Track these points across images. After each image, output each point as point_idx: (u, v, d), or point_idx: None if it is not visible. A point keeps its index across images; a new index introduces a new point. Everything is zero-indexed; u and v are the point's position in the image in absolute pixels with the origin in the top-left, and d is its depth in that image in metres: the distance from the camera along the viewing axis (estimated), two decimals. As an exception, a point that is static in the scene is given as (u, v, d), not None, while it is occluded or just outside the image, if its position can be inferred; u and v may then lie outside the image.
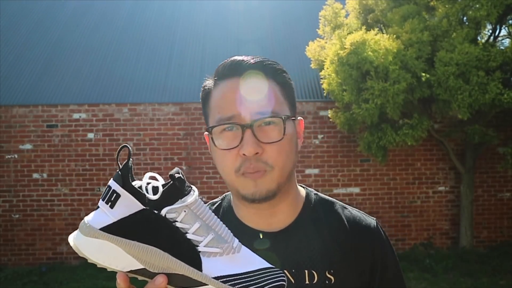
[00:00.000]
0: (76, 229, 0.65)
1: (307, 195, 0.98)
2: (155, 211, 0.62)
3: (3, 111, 6.16)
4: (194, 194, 0.64)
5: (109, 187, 0.62)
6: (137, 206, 0.61)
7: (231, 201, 0.98)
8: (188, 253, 0.61)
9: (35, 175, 6.15)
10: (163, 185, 0.65)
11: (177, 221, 0.62)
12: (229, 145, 0.84)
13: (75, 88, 6.54)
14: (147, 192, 0.63)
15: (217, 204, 1.02)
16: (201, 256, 0.62)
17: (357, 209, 1.01)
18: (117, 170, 0.63)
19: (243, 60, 0.87)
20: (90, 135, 6.20)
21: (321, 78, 5.90)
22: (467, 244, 6.03)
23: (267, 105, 0.84)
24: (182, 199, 0.63)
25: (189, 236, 0.62)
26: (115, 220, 0.61)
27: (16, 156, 6.14)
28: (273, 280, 0.63)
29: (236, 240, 0.67)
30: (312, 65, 6.22)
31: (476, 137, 5.42)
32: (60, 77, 6.73)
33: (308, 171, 6.29)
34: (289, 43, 7.44)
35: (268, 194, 0.85)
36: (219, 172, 0.90)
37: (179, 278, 0.60)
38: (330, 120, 5.90)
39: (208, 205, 1.01)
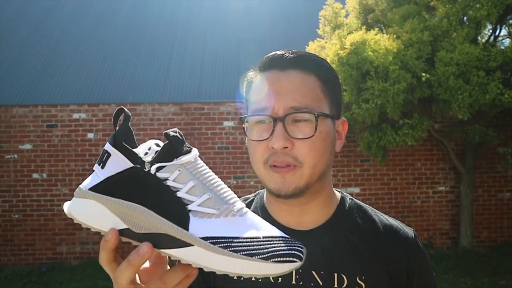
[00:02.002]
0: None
1: (342, 199, 0.96)
2: (145, 169, 0.57)
3: (3, 111, 6.16)
4: (192, 154, 0.59)
5: (103, 149, 0.59)
6: (126, 164, 0.57)
7: (264, 197, 0.97)
8: (175, 211, 0.55)
9: (35, 175, 6.14)
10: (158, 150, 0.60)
11: (168, 180, 0.56)
12: (260, 136, 0.84)
13: (75, 88, 6.53)
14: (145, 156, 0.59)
15: (249, 199, 1.00)
16: (190, 215, 0.55)
17: (393, 218, 0.98)
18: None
19: (284, 54, 0.87)
20: (90, 135, 6.20)
21: (321, 78, 5.89)
22: (467, 244, 6.03)
23: (302, 100, 0.83)
24: (177, 158, 0.57)
25: (179, 194, 0.56)
26: (103, 178, 0.57)
27: (16, 156, 6.13)
28: (285, 248, 0.52)
29: (242, 204, 0.59)
30: (312, 65, 6.21)
31: (476, 137, 5.42)
32: (60, 77, 6.73)
33: (308, 171, 6.28)
34: (289, 43, 7.43)
35: (295, 191, 0.83)
36: (251, 162, 0.89)
37: (164, 239, 0.54)
38: (330, 120, 5.89)
39: (240, 199, 0.99)
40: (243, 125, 0.88)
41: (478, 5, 5.04)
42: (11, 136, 6.13)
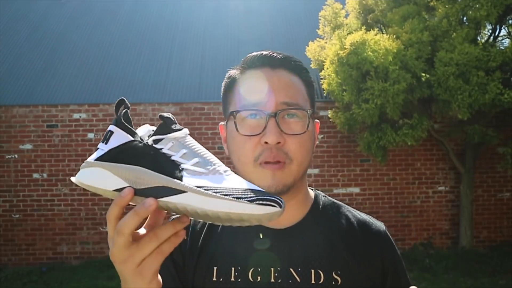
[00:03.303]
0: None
1: (316, 196, 0.99)
2: (143, 141, 0.66)
3: (3, 111, 6.16)
4: (183, 131, 0.67)
5: (107, 130, 0.68)
6: (127, 138, 0.66)
7: None
8: (170, 169, 0.63)
9: (35, 175, 6.15)
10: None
11: (163, 149, 0.65)
12: (252, 131, 0.84)
13: (75, 88, 6.54)
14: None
15: None
16: (183, 172, 0.63)
17: (364, 213, 1.01)
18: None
19: (272, 54, 0.89)
20: (90, 135, 6.21)
21: (321, 78, 5.90)
22: (467, 244, 6.04)
23: (293, 97, 0.85)
24: (171, 134, 0.66)
25: (173, 158, 0.64)
26: (107, 150, 0.66)
27: (16, 156, 6.14)
28: (266, 197, 0.60)
29: (227, 168, 0.67)
30: (312, 65, 6.22)
31: (476, 137, 5.42)
32: (60, 77, 6.74)
33: (308, 171, 6.27)
34: (289, 43, 7.44)
35: (284, 189, 0.84)
36: (234, 162, 0.89)
37: (161, 190, 0.62)
38: (330, 120, 5.90)
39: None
40: (223, 123, 0.88)
41: (477, 5, 5.04)
42: (12, 136, 6.14)
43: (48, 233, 6.14)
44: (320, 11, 6.33)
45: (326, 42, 6.10)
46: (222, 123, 0.93)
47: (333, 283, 0.87)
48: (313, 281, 0.87)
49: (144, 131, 0.69)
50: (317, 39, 6.28)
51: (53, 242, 6.15)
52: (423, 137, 5.49)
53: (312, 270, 0.87)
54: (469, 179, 6.05)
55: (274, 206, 0.59)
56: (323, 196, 1.00)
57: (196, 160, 0.65)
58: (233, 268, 0.89)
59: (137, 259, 0.62)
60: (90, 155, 0.71)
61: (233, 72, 0.92)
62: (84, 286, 5.20)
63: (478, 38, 5.60)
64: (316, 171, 6.33)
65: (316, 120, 0.94)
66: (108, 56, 7.20)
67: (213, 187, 0.61)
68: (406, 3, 5.55)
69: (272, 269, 0.88)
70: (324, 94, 6.14)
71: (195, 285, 0.91)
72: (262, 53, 0.89)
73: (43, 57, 7.15)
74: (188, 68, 6.99)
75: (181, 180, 0.62)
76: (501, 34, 5.85)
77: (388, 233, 0.99)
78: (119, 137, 0.67)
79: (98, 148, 0.68)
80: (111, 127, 0.68)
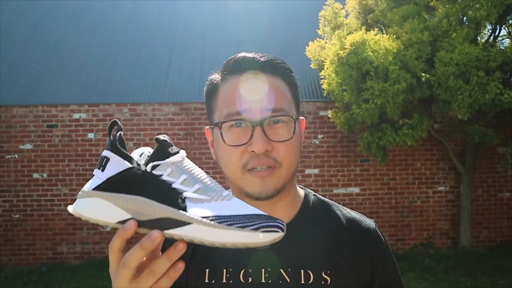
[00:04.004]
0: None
1: (306, 195, 0.98)
2: (142, 168, 0.65)
3: (3, 111, 6.16)
4: (180, 154, 0.66)
5: (101, 156, 0.67)
6: (124, 165, 0.64)
7: None
8: (173, 198, 0.62)
9: (35, 175, 6.15)
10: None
11: (163, 175, 0.64)
12: (238, 141, 0.83)
13: (75, 88, 6.54)
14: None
15: None
16: (186, 201, 0.62)
17: (355, 211, 1.01)
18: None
19: (254, 57, 0.87)
20: (90, 135, 6.21)
21: (321, 78, 5.90)
22: (467, 244, 6.04)
23: (277, 103, 0.84)
24: (168, 158, 0.65)
25: (174, 185, 0.64)
26: (104, 179, 0.65)
27: (16, 156, 6.14)
28: (269, 223, 0.61)
29: (227, 192, 0.66)
30: (312, 65, 6.22)
31: (476, 137, 5.42)
32: (60, 77, 6.74)
33: (308, 171, 6.29)
34: (289, 43, 7.44)
35: (275, 192, 0.85)
36: (222, 169, 0.89)
37: (166, 222, 0.61)
38: (330, 120, 5.90)
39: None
40: (208, 127, 0.87)
41: (477, 5, 5.04)
42: (12, 136, 6.14)
43: (48, 233, 6.15)
44: (320, 11, 6.33)
45: (326, 42, 6.10)
46: (208, 126, 0.92)
47: (323, 282, 0.87)
48: (302, 281, 0.87)
49: (139, 154, 0.68)
50: (317, 39, 6.28)
51: (53, 242, 6.15)
52: (423, 137, 5.49)
53: (302, 271, 0.88)
54: (469, 179, 6.05)
55: (277, 231, 0.61)
56: (313, 195, 1.00)
57: (197, 186, 0.64)
58: (224, 270, 0.89)
59: None
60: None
61: (214, 77, 0.91)
62: (84, 286, 5.20)
63: (478, 38, 5.60)
64: (316, 171, 6.33)
65: (301, 117, 0.93)
66: (108, 56, 7.20)
67: (218, 216, 0.61)
68: (406, 3, 5.55)
69: (263, 270, 0.88)
70: (324, 94, 6.14)
71: (188, 287, 0.92)
72: (244, 57, 0.87)
73: (43, 57, 7.15)
74: (188, 68, 6.99)
75: (185, 210, 0.61)
76: (501, 34, 5.86)
77: (378, 230, 0.99)
78: (116, 164, 0.65)
79: (94, 175, 0.66)
80: (107, 153, 0.66)
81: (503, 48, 5.36)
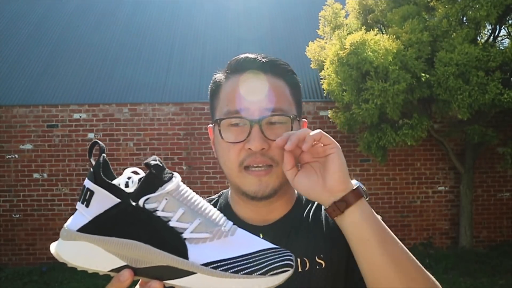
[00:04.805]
0: None
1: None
2: (133, 203, 0.57)
3: (3, 111, 6.17)
4: (175, 181, 0.60)
5: (84, 186, 0.60)
6: (112, 200, 0.57)
7: (229, 197, 0.99)
8: (172, 242, 0.56)
9: (36, 175, 6.16)
10: (140, 178, 0.61)
11: (157, 210, 0.57)
12: (236, 138, 0.84)
13: (76, 88, 6.55)
14: (126, 187, 0.60)
15: (214, 200, 1.02)
16: (187, 243, 0.57)
17: None
18: (90, 168, 0.60)
19: (255, 57, 0.89)
20: (91, 135, 6.21)
21: (321, 78, 5.91)
22: (467, 244, 6.04)
23: (276, 103, 0.85)
24: (162, 187, 0.58)
25: (172, 224, 0.57)
26: (91, 218, 0.58)
27: (16, 156, 6.15)
28: (277, 260, 0.56)
29: (230, 223, 0.61)
30: (312, 65, 6.22)
31: (476, 137, 5.43)
32: (60, 77, 6.74)
33: (308, 171, 6.29)
34: (289, 43, 7.45)
35: (271, 192, 0.86)
36: (221, 166, 0.90)
37: (166, 270, 0.56)
38: (330, 120, 5.91)
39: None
40: (217, 127, 0.88)
41: (477, 6, 5.04)
42: (12, 136, 6.15)
43: (48, 233, 6.15)
44: (320, 11, 6.34)
45: (326, 42, 6.10)
46: (211, 125, 0.94)
47: (317, 267, 0.90)
48: (300, 269, 0.89)
49: (125, 180, 0.60)
50: (317, 39, 6.29)
51: (53, 242, 6.14)
52: (423, 137, 5.49)
53: (298, 259, 0.89)
54: (469, 179, 6.06)
55: (286, 270, 0.57)
56: None
57: (197, 222, 0.58)
58: None
59: None
60: None
61: (218, 76, 0.93)
62: (84, 286, 5.21)
63: (478, 38, 5.60)
64: (316, 171, 6.33)
65: (303, 119, 0.95)
66: (108, 56, 7.21)
67: (223, 260, 0.56)
68: (406, 3, 5.55)
69: None
70: (324, 94, 6.14)
71: None
72: (247, 57, 0.89)
73: (43, 57, 7.15)
74: (188, 68, 7.00)
75: (187, 255, 0.56)
76: (501, 34, 5.86)
77: None
78: (102, 199, 0.57)
79: (76, 210, 0.60)
80: (89, 185, 0.58)
81: (502, 48, 5.37)
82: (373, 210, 0.80)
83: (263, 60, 0.88)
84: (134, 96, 6.42)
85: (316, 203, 0.99)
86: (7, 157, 6.14)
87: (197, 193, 0.63)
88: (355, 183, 0.80)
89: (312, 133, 0.76)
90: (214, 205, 1.00)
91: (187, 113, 6.29)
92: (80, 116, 6.23)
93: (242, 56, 0.90)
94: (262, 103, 0.84)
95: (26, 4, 8.45)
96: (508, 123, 6.21)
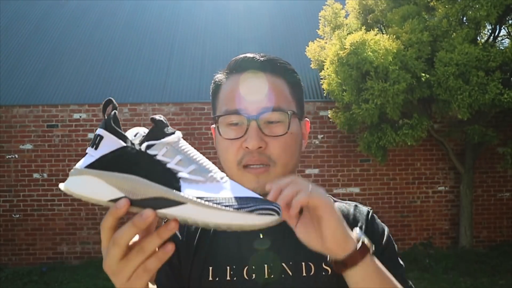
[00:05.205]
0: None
1: None
2: (136, 148, 0.63)
3: (3, 111, 6.17)
4: (176, 134, 0.65)
5: (95, 134, 0.65)
6: (119, 144, 0.63)
7: None
8: (167, 178, 0.61)
9: (36, 175, 6.16)
10: (146, 132, 0.66)
11: (157, 155, 0.62)
12: (234, 136, 0.85)
13: (76, 88, 6.55)
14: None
15: None
16: (181, 181, 0.61)
17: (352, 201, 1.01)
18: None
19: (254, 57, 0.89)
20: (91, 135, 6.21)
21: (321, 78, 5.91)
22: (467, 244, 6.04)
23: (275, 102, 0.85)
24: (164, 138, 0.64)
25: (169, 165, 0.62)
26: (98, 157, 0.63)
27: (16, 156, 6.15)
28: (265, 206, 0.59)
29: (223, 175, 0.65)
30: (312, 65, 6.22)
31: (476, 137, 5.43)
32: (60, 77, 6.74)
33: (308, 171, 6.30)
34: (289, 43, 7.44)
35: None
36: (221, 164, 0.90)
37: (159, 202, 0.59)
38: (330, 120, 5.91)
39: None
40: (212, 126, 0.88)
41: (477, 6, 5.04)
42: (12, 136, 6.15)
43: (48, 233, 6.15)
44: (320, 11, 6.34)
45: (326, 42, 6.10)
46: (214, 126, 0.94)
47: (323, 273, 0.89)
48: (304, 274, 0.89)
49: (133, 134, 0.66)
50: (317, 39, 6.29)
51: (53, 242, 6.16)
52: (423, 137, 5.49)
53: (303, 263, 0.89)
54: (469, 179, 6.06)
55: (273, 214, 0.60)
56: None
57: (192, 167, 0.63)
58: (228, 267, 0.90)
59: (127, 273, 0.61)
60: None
61: (218, 76, 0.93)
62: (84, 286, 5.21)
63: (478, 38, 5.60)
64: (316, 171, 6.34)
65: (306, 119, 0.95)
66: (108, 56, 7.21)
67: (213, 197, 0.59)
68: (406, 3, 5.56)
69: (266, 265, 0.90)
70: (324, 94, 6.14)
71: (191, 285, 0.92)
72: (245, 57, 0.89)
73: (43, 57, 7.15)
74: (188, 68, 7.00)
75: (180, 190, 0.60)
76: (501, 34, 5.86)
77: (373, 216, 0.98)
78: (109, 143, 0.63)
79: (86, 153, 0.65)
80: (100, 131, 0.64)
81: (503, 48, 5.37)
82: (377, 264, 0.76)
83: (262, 59, 0.88)
84: (134, 96, 6.42)
85: None
86: (7, 157, 6.14)
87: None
88: (357, 235, 0.76)
89: (298, 197, 0.70)
90: None
91: (187, 113, 6.29)
92: (80, 116, 6.23)
93: (241, 56, 0.90)
94: (260, 102, 0.84)
95: (26, 4, 8.45)
96: (508, 123, 6.22)
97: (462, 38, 5.04)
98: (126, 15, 8.25)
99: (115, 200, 0.61)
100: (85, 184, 0.63)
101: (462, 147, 6.23)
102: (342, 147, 6.36)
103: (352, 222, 0.95)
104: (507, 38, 5.93)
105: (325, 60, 5.65)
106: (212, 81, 0.95)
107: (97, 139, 0.64)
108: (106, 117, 0.66)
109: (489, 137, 5.47)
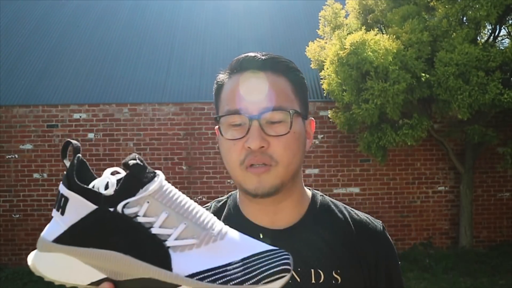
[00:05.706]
0: None
1: (313, 196, 0.98)
2: (110, 209, 0.53)
3: (3, 111, 6.17)
4: (157, 180, 0.54)
5: (58, 192, 0.55)
6: (88, 207, 0.53)
7: (237, 198, 0.98)
8: (153, 252, 0.51)
9: (36, 175, 6.16)
10: (119, 179, 0.55)
11: (138, 216, 0.52)
12: (235, 136, 0.84)
13: (75, 88, 6.55)
14: (107, 189, 0.55)
15: (222, 201, 1.01)
16: (170, 252, 0.52)
17: (363, 213, 1.01)
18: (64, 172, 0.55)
19: (255, 56, 0.88)
20: (91, 135, 6.21)
21: (321, 78, 5.91)
22: (467, 244, 6.04)
23: (276, 101, 0.84)
24: (143, 189, 0.53)
25: (154, 231, 0.52)
26: (66, 228, 0.53)
27: (16, 156, 6.15)
28: (272, 265, 0.51)
29: (220, 225, 0.56)
30: (312, 65, 6.22)
31: (476, 137, 5.43)
32: (60, 77, 6.74)
33: (308, 171, 6.30)
34: (289, 43, 7.44)
35: (271, 190, 0.84)
36: (225, 166, 0.90)
37: (148, 283, 0.51)
38: (330, 120, 5.91)
39: (213, 202, 1.01)
40: (216, 127, 0.89)
41: (477, 6, 5.04)
42: (12, 136, 6.15)
43: (48, 233, 6.15)
44: (320, 11, 6.34)
45: (326, 42, 6.10)
46: (217, 126, 0.94)
47: (333, 282, 0.87)
48: (313, 281, 0.87)
49: (105, 182, 0.55)
50: (317, 39, 6.29)
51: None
52: (423, 137, 5.49)
53: (312, 270, 0.87)
54: (469, 179, 6.06)
55: (283, 276, 0.52)
56: (320, 195, 1.00)
57: (182, 226, 0.53)
58: None
59: None
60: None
61: (220, 76, 0.93)
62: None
63: (478, 38, 5.60)
64: (316, 171, 6.34)
65: (310, 118, 0.94)
66: (108, 56, 7.21)
67: (210, 270, 0.51)
68: (406, 3, 5.56)
69: None
70: (324, 94, 6.14)
71: None
72: (246, 56, 0.89)
73: (43, 57, 7.15)
74: (188, 68, 7.00)
75: (170, 266, 0.51)
76: (501, 34, 5.86)
77: (386, 232, 0.99)
78: (77, 206, 0.53)
79: (52, 217, 0.55)
80: (64, 191, 0.55)
81: (503, 48, 5.37)
82: None
83: (263, 58, 0.87)
84: (134, 96, 6.42)
85: (335, 210, 0.97)
86: (7, 157, 6.14)
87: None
88: None
89: None
90: (223, 206, 0.99)
91: (187, 113, 6.29)
92: (80, 116, 6.23)
93: (243, 55, 0.90)
94: (261, 101, 0.84)
95: (26, 4, 8.45)
96: (508, 123, 6.21)
97: (462, 38, 5.04)
98: (126, 15, 8.25)
99: (96, 283, 0.52)
100: (57, 265, 0.54)
101: (462, 147, 6.22)
102: (342, 147, 6.35)
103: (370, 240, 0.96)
104: (507, 38, 5.93)
105: (325, 60, 5.65)
106: (215, 81, 0.94)
107: (62, 201, 0.55)
108: (67, 169, 0.55)
109: (489, 137, 5.47)
